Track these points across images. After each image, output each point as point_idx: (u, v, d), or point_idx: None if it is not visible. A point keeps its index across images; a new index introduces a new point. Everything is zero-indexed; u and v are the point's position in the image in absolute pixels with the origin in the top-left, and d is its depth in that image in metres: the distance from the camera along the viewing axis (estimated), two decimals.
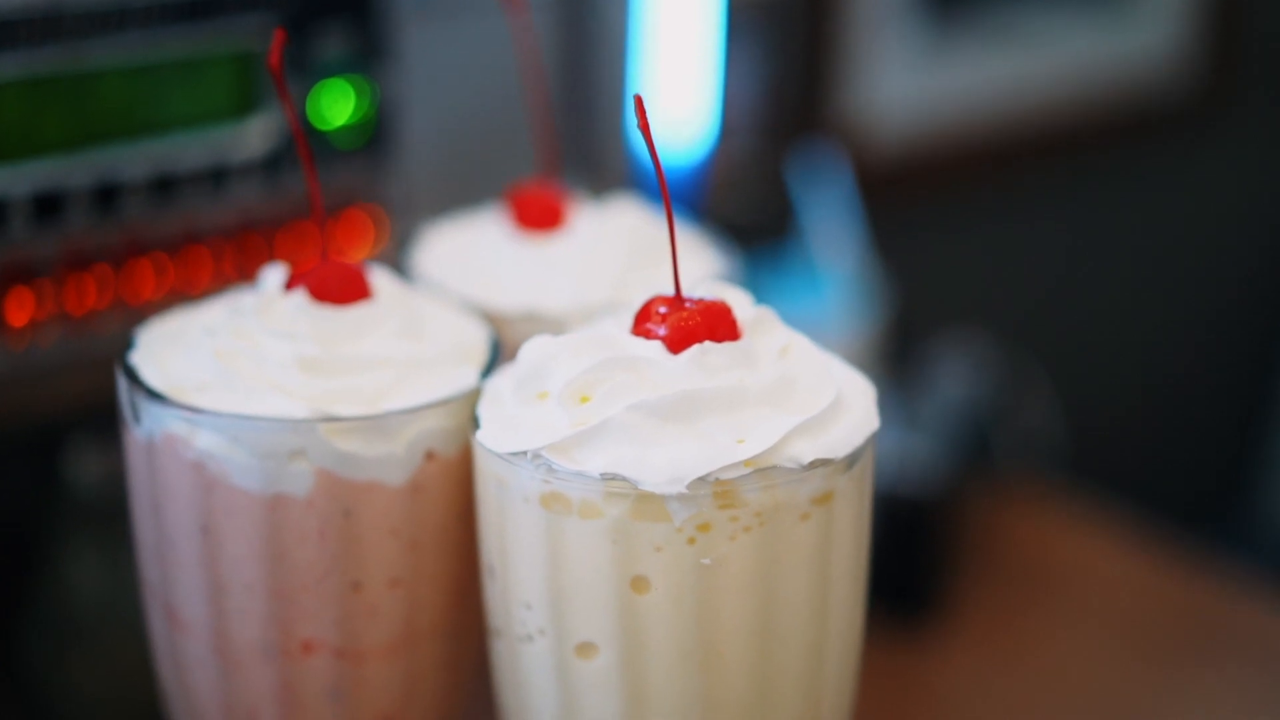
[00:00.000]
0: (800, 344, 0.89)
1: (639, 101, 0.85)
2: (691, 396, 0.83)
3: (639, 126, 0.85)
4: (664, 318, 0.86)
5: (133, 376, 0.91)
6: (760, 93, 1.83)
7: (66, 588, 1.32)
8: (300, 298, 0.91)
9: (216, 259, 1.22)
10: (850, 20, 1.96)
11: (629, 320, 0.88)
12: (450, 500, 0.91)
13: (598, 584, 0.84)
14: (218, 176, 1.21)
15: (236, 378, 0.88)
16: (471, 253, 1.04)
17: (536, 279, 1.01)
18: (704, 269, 1.04)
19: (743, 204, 1.71)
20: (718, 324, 0.86)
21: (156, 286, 1.21)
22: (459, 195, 1.32)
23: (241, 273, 1.23)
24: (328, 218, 1.27)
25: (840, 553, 0.86)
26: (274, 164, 1.23)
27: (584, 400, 0.85)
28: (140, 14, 1.15)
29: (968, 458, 1.62)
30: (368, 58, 1.25)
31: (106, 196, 1.17)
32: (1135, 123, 2.32)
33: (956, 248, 2.15)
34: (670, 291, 0.89)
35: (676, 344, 0.85)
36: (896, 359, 1.68)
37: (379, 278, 0.95)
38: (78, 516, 1.32)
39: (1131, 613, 1.64)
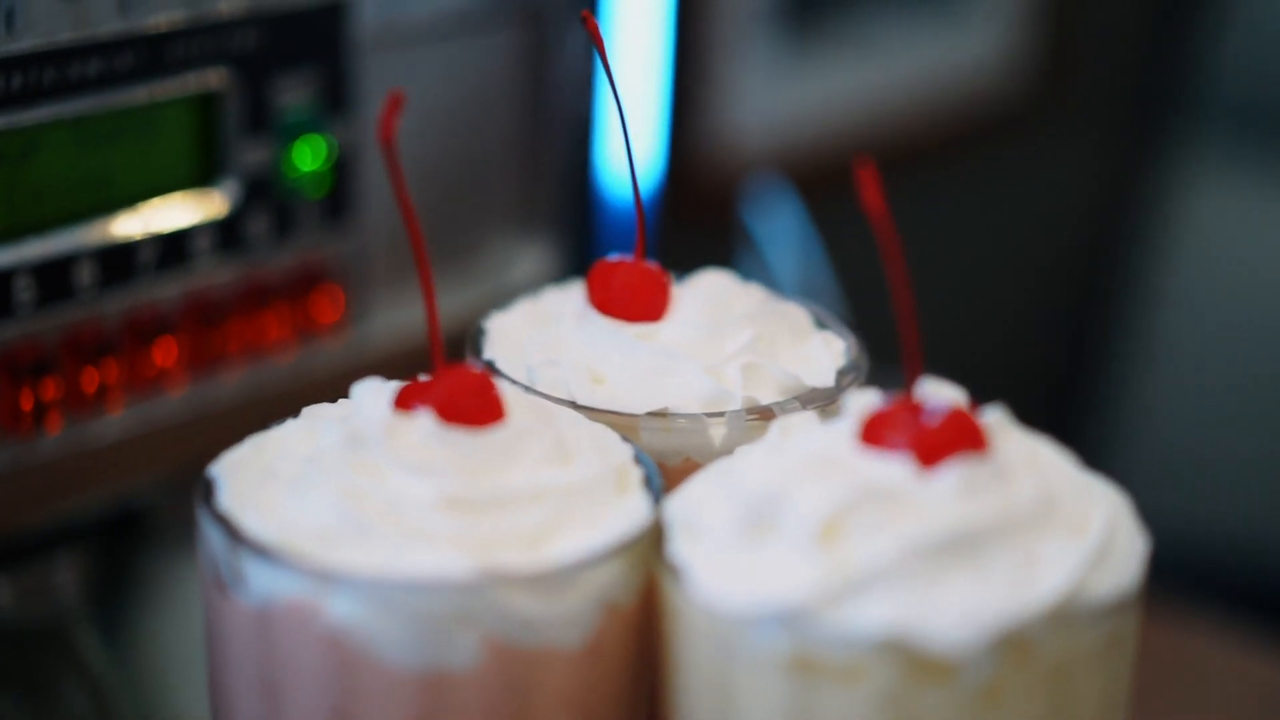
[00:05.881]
0: (1043, 450, 0.76)
1: (867, 175, 0.70)
2: (967, 528, 0.69)
3: (869, 204, 0.70)
4: (907, 429, 0.72)
5: (231, 529, 0.72)
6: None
7: None
8: (428, 420, 0.74)
9: (183, 345, 1.03)
10: (710, 41, 1.85)
11: (849, 428, 0.74)
12: (630, 660, 0.75)
13: None
14: (176, 252, 1.02)
15: (369, 525, 0.71)
16: (563, 347, 0.87)
17: (654, 373, 0.85)
18: (832, 352, 0.90)
19: (696, 236, 1.57)
20: (966, 434, 0.72)
21: (102, 380, 1.01)
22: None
23: (211, 358, 1.04)
24: (292, 296, 1.08)
25: (1121, 702, 0.74)
26: (239, 235, 1.05)
27: (829, 537, 0.70)
28: (93, 75, 0.96)
29: None
30: (331, 112, 1.07)
31: (55, 280, 0.97)
32: (976, 128, 2.28)
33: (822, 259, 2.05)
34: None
35: (928, 460, 0.71)
36: None
37: (503, 387, 0.78)
38: None
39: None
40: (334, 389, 1.07)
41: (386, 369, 1.04)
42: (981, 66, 2.28)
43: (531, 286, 1.18)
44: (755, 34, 1.93)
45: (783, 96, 1.97)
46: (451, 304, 1.17)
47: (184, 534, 1.11)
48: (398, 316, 1.15)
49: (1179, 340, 2.60)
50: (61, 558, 1.08)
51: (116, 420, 1.01)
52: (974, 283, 2.41)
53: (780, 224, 1.56)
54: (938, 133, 2.24)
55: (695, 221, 1.63)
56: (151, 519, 1.11)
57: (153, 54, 0.98)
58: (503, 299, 1.07)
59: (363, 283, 1.11)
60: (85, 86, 0.96)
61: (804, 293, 1.50)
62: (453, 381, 0.75)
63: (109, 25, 0.96)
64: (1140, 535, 0.73)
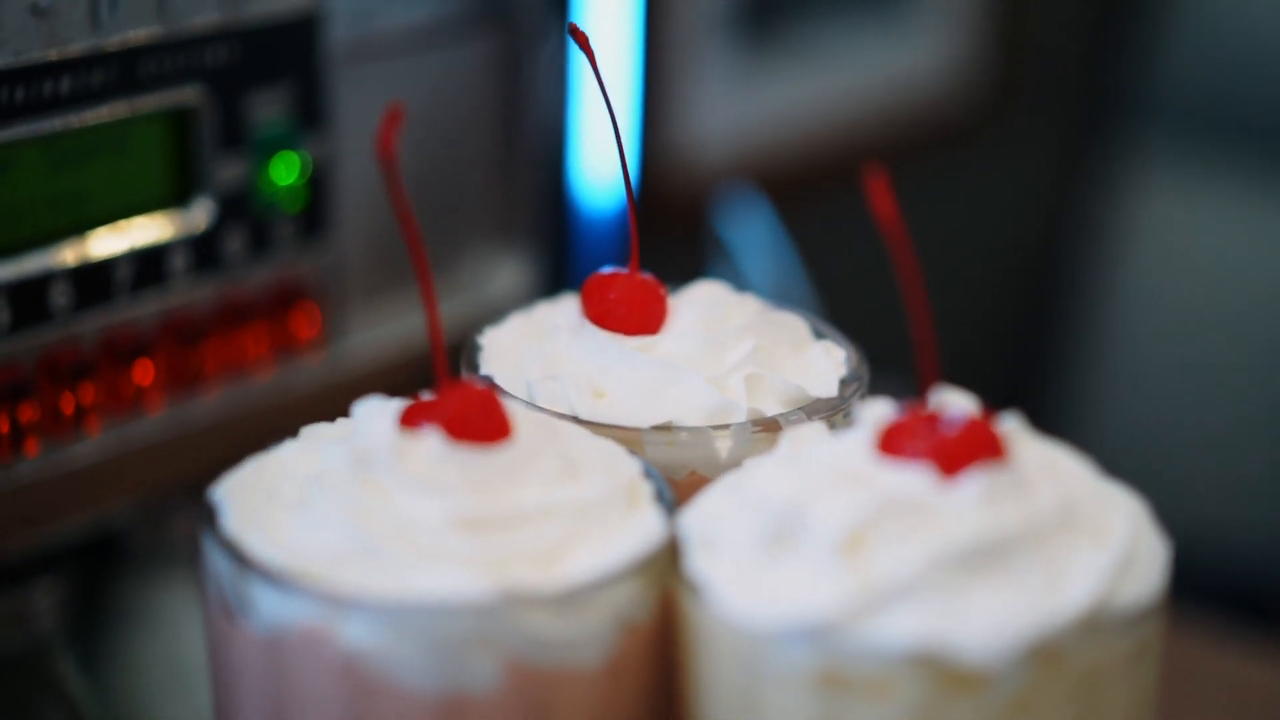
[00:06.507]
0: (1059, 457, 0.75)
1: (877, 183, 0.69)
2: (992, 537, 0.68)
3: (880, 211, 0.69)
4: (926, 438, 0.71)
5: (238, 554, 0.71)
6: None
7: None
8: (436, 439, 0.73)
9: (161, 365, 1.01)
10: (668, 53, 1.84)
11: (865, 438, 0.73)
12: (649, 679, 0.74)
13: None
14: (152, 271, 1.00)
15: (380, 546, 0.70)
16: (561, 361, 0.86)
17: (656, 386, 0.84)
18: (833, 361, 0.89)
19: (664, 247, 1.55)
20: (986, 443, 0.71)
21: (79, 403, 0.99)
22: (396, 270, 1.14)
23: (189, 377, 1.02)
24: (270, 313, 1.07)
25: (1148, 709, 0.73)
26: (216, 253, 1.03)
27: (853, 550, 0.69)
28: (66, 93, 0.94)
29: None
30: (305, 127, 1.05)
31: (30, 301, 0.95)
32: (931, 134, 2.29)
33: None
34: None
35: (949, 469, 0.70)
36: None
37: (508, 403, 0.77)
38: None
39: None
40: (314, 406, 1.05)
41: (366, 386, 1.02)
42: (934, 74, 2.29)
43: (509, 299, 1.17)
44: (711, 45, 1.93)
45: (740, 107, 1.97)
46: (424, 320, 1.15)
47: (164, 557, 1.09)
48: (375, 333, 1.13)
49: (1131, 340, 2.61)
50: (40, 583, 1.05)
51: (95, 442, 0.99)
52: (931, 286, 2.42)
53: (750, 232, 1.55)
54: (893, 140, 2.25)
55: (662, 232, 1.62)
56: (130, 542, 1.09)
57: (126, 70, 0.96)
58: (480, 312, 1.05)
59: (339, 299, 1.09)
60: (58, 104, 0.94)
61: (778, 300, 1.49)
62: (459, 399, 0.74)
63: (81, 41, 0.94)
64: (1161, 541, 0.73)
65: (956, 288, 2.48)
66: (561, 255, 1.24)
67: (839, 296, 1.89)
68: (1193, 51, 2.52)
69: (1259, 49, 2.49)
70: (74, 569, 1.07)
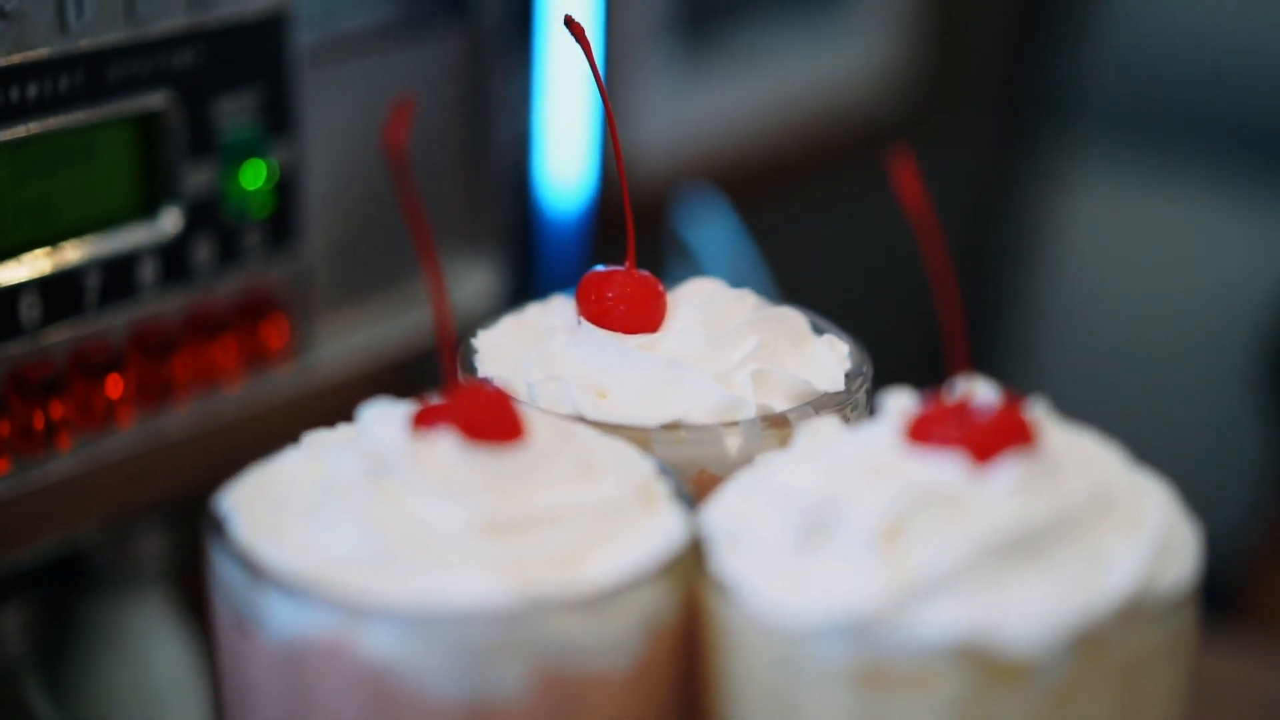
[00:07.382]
0: (1088, 444, 0.74)
1: (903, 169, 0.68)
2: (1030, 526, 0.67)
3: (908, 196, 0.68)
4: (957, 427, 0.69)
5: (251, 565, 0.68)
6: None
7: None
8: (451, 441, 0.70)
9: (131, 379, 0.98)
10: (612, 56, 1.83)
11: (891, 429, 0.71)
12: (677, 681, 0.72)
13: None
14: (122, 282, 0.97)
15: (399, 552, 0.67)
16: (562, 362, 0.84)
17: (661, 385, 0.82)
18: (836, 356, 0.87)
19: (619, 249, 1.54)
20: (1017, 430, 0.70)
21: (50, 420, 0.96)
22: (365, 279, 1.12)
23: (159, 390, 0.99)
24: (239, 323, 1.04)
25: (1183, 697, 0.72)
26: (185, 262, 1.00)
27: (890, 542, 0.67)
28: (32, 99, 0.91)
29: None
30: (273, 131, 1.03)
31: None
32: (866, 135, 2.29)
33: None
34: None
35: (982, 457, 0.68)
36: None
37: (518, 404, 0.75)
38: None
39: None
40: (285, 418, 1.03)
41: (337, 396, 1.00)
42: (869, 75, 2.30)
43: (475, 304, 1.15)
44: (653, 51, 1.92)
45: (682, 110, 1.96)
46: (395, 328, 1.13)
47: (132, 576, 1.06)
48: (345, 343, 1.10)
49: (1061, 334, 2.62)
50: (8, 604, 1.02)
51: (67, 458, 0.95)
52: (866, 282, 2.42)
53: (704, 232, 1.54)
54: (830, 139, 2.25)
55: (616, 236, 1.60)
56: (98, 561, 1.06)
57: (94, 75, 0.93)
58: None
59: (309, 307, 1.07)
60: (24, 110, 0.91)
61: None
62: (472, 400, 0.72)
63: (48, 46, 0.91)
64: (1191, 528, 0.72)
65: (890, 283, 2.48)
66: (527, 259, 1.22)
67: (791, 294, 1.88)
68: (1120, 50, 2.54)
69: (1184, 48, 2.51)
70: (41, 589, 1.04)
